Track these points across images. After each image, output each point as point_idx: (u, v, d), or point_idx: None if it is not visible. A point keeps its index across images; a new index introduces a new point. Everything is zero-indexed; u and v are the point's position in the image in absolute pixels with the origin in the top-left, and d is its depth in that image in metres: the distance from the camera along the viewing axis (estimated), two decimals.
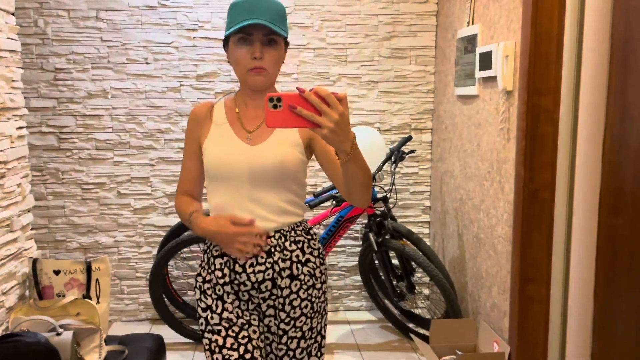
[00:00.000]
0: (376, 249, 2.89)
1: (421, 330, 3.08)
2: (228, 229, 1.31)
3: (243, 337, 1.39)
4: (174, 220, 3.28)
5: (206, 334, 1.41)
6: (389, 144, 3.34)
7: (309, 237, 1.46)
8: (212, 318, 1.41)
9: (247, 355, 1.37)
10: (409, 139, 3.01)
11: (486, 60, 2.47)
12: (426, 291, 3.47)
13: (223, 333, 1.39)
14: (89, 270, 2.07)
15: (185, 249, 3.21)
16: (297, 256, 1.41)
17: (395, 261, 3.15)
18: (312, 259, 1.44)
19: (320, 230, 3.29)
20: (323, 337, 1.48)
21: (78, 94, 3.14)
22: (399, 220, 3.39)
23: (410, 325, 3.15)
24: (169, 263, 3.23)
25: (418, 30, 3.30)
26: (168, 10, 3.13)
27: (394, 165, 2.94)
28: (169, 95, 3.20)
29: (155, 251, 3.29)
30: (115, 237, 3.27)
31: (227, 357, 1.37)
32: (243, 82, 1.40)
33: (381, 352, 2.95)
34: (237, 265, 1.38)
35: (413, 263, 2.98)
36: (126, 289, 3.31)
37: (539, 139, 2.11)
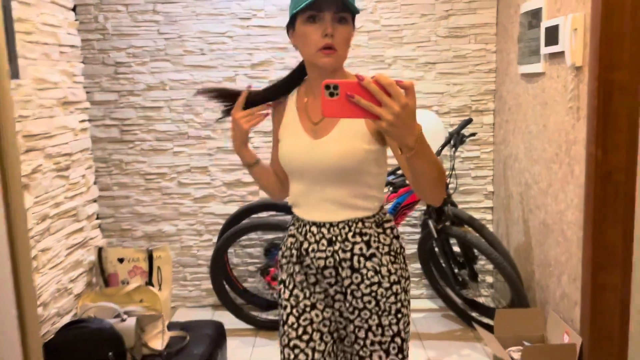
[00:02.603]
0: (436, 236, 2.81)
1: (485, 320, 2.97)
2: (232, 126, 1.40)
3: (305, 320, 1.40)
4: (233, 208, 3.32)
5: (280, 307, 1.46)
6: (448, 127, 3.22)
7: (380, 230, 1.39)
8: (284, 292, 1.45)
9: (305, 337, 1.38)
10: (469, 121, 2.89)
11: (552, 35, 2.31)
12: (490, 279, 3.35)
13: (288, 310, 1.42)
14: (150, 258, 2.13)
15: (244, 237, 3.24)
16: (361, 249, 1.36)
17: (456, 249, 3.05)
18: (379, 255, 1.37)
19: None
20: (404, 340, 1.40)
21: (138, 87, 3.22)
22: (460, 207, 3.27)
23: (474, 314, 3.04)
24: (229, 250, 3.28)
25: (478, 7, 3.15)
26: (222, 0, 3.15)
27: (453, 149, 2.83)
28: (225, 85, 3.23)
29: (215, 239, 3.34)
30: (177, 226, 3.35)
31: (286, 333, 1.41)
32: (311, 66, 1.35)
33: (443, 341, 2.87)
34: (302, 248, 1.39)
35: (475, 250, 2.87)
36: (189, 275, 3.39)
37: (613, 117, 1.96)
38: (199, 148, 3.28)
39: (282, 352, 1.42)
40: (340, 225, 1.36)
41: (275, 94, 1.44)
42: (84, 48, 3.13)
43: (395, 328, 1.37)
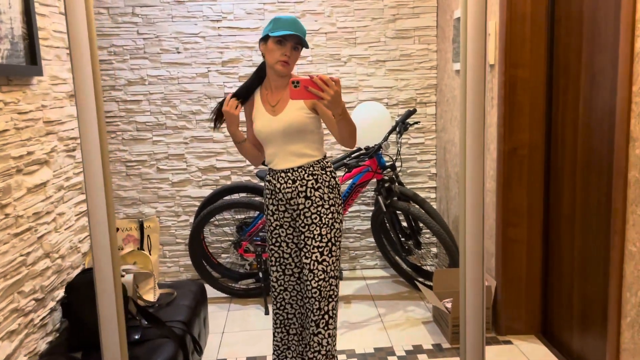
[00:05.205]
0: (384, 210, 3.27)
1: (428, 283, 3.46)
2: (225, 116, 2.03)
3: (275, 233, 2.11)
4: (207, 191, 3.71)
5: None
6: (395, 117, 3.69)
7: (323, 172, 2.05)
8: (266, 217, 2.14)
9: (277, 243, 2.11)
10: (413, 112, 3.35)
11: None
12: (434, 250, 3.84)
13: (268, 226, 2.13)
14: (141, 227, 2.51)
15: (218, 216, 3.64)
16: (312, 184, 2.02)
17: (404, 223, 3.52)
18: (322, 187, 2.04)
19: None
20: (334, 244, 2.04)
21: (119, 82, 3.57)
22: (408, 187, 3.75)
23: (419, 279, 3.52)
24: (205, 229, 3.67)
25: (420, 12, 3.62)
26: (195, 3, 3.53)
27: (399, 135, 3.29)
28: (199, 81, 3.61)
29: (191, 219, 3.72)
30: (156, 208, 3.72)
31: (269, 241, 2.14)
32: (271, 69, 1.99)
33: (392, 301, 3.34)
34: (276, 188, 2.05)
35: (420, 223, 3.34)
36: (168, 253, 3.76)
37: (517, 105, 2.45)
38: (176, 137, 3.65)
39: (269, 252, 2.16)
40: (299, 170, 2.01)
41: (247, 90, 2.07)
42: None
43: (329, 236, 2.02)
